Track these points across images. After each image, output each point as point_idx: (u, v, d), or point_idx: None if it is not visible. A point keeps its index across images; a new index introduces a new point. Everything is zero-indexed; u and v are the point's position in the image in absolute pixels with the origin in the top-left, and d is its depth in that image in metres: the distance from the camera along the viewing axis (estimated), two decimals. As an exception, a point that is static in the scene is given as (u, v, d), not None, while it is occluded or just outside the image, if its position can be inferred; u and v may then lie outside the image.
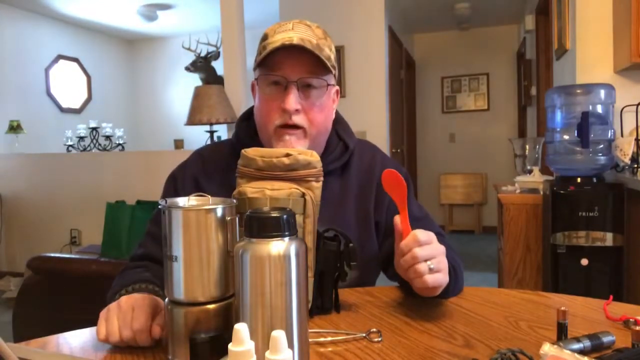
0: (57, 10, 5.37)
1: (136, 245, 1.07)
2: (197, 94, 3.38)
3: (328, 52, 0.99)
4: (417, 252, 0.79)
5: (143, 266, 0.98)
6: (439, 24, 6.20)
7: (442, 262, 0.82)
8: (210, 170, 1.07)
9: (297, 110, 0.97)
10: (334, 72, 1.01)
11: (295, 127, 0.98)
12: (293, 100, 0.96)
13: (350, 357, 0.71)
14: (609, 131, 2.34)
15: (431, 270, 0.79)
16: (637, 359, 0.63)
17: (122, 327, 0.72)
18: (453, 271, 0.90)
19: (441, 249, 0.83)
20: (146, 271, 0.95)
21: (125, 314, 0.73)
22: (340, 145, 1.09)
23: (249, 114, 1.11)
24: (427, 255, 0.79)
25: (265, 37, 1.00)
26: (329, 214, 0.96)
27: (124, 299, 0.75)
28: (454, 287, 0.93)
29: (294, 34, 0.96)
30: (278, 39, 0.95)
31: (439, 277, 0.80)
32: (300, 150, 0.83)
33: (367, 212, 1.07)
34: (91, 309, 0.93)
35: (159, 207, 0.67)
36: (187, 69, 5.29)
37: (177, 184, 1.08)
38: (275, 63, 0.96)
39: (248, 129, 1.08)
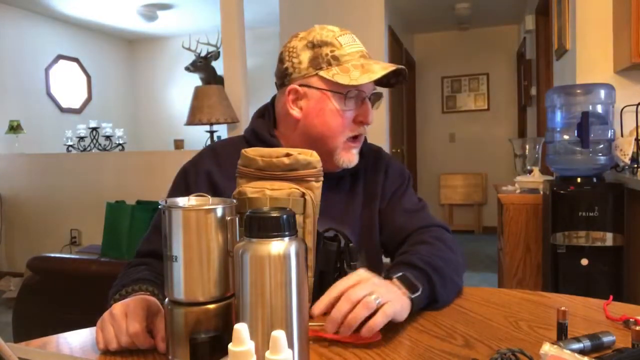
0: (57, 10, 5.37)
1: (142, 239, 1.06)
2: (197, 94, 3.39)
3: None
4: (352, 291, 0.74)
5: (146, 263, 0.98)
6: (439, 24, 6.20)
7: (385, 292, 0.76)
8: (225, 164, 1.04)
9: None
10: None
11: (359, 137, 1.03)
12: (372, 113, 1.02)
13: (350, 357, 0.71)
14: (609, 131, 2.34)
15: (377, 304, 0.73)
16: (637, 359, 0.63)
17: (118, 335, 0.73)
18: (437, 275, 0.87)
19: (376, 280, 0.78)
20: (147, 269, 0.95)
21: (119, 322, 0.73)
22: None
23: (263, 111, 1.12)
24: (364, 291, 0.74)
25: (327, 44, 1.00)
26: (334, 216, 0.97)
27: (116, 307, 0.76)
28: (441, 291, 0.88)
29: (361, 45, 1.04)
30: (354, 53, 1.01)
31: (388, 308, 0.74)
32: (300, 150, 0.83)
33: (372, 213, 1.07)
34: (91, 309, 0.93)
35: (160, 206, 0.67)
36: (187, 69, 5.29)
37: (188, 178, 1.06)
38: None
39: (265, 126, 1.08)
